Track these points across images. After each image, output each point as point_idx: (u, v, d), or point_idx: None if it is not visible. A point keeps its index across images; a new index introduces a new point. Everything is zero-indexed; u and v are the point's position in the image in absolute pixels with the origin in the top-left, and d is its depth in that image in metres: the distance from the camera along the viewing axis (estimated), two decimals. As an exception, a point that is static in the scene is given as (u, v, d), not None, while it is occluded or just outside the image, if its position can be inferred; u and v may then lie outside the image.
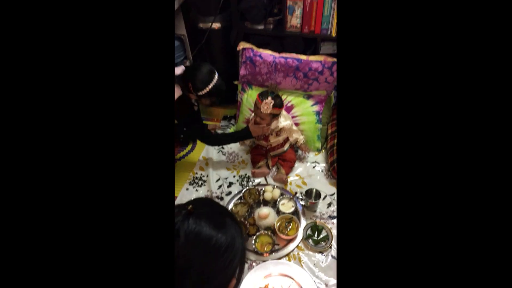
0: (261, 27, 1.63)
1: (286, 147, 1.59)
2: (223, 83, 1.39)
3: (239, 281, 0.49)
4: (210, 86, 1.32)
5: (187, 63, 1.93)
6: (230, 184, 1.52)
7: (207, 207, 0.48)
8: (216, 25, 1.64)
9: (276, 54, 1.58)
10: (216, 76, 1.35)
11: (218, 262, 0.42)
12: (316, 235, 1.26)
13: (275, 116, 1.44)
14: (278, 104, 1.39)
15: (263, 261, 1.17)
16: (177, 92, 1.35)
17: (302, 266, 1.17)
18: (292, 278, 1.12)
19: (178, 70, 1.40)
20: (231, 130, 1.84)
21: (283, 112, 1.53)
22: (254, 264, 1.18)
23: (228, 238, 0.45)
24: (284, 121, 1.51)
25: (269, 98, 1.36)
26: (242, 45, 1.63)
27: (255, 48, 1.61)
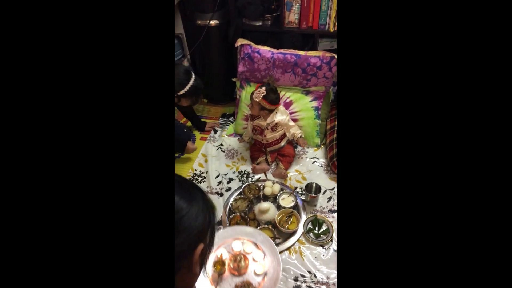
0: (259, 23, 1.64)
1: (283, 143, 1.59)
2: (201, 83, 1.42)
3: (208, 249, 0.52)
4: (189, 85, 1.35)
5: (185, 62, 1.93)
6: (230, 180, 1.52)
7: (177, 177, 0.51)
8: (214, 22, 1.65)
9: (275, 50, 1.58)
10: (193, 76, 1.38)
11: (178, 223, 0.46)
12: (317, 229, 1.26)
13: (263, 109, 1.44)
14: (270, 99, 1.40)
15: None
16: None
17: (303, 259, 1.16)
18: (243, 238, 1.16)
19: None
20: (230, 127, 1.84)
21: (281, 107, 1.52)
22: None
23: (192, 205, 0.48)
24: (280, 115, 1.50)
25: (263, 88, 1.39)
26: (240, 41, 1.63)
27: (253, 45, 1.61)
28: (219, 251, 1.12)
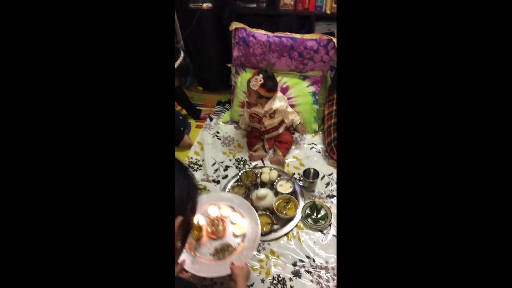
0: (253, 5, 1.59)
1: (281, 129, 1.56)
2: (189, 63, 1.38)
3: (189, 223, 0.54)
4: (177, 63, 1.31)
5: (178, 47, 1.88)
6: (227, 167, 1.49)
7: None
8: (206, 5, 1.59)
9: (270, 34, 1.54)
10: (182, 55, 1.33)
11: None
12: (315, 214, 1.25)
13: (261, 97, 1.41)
14: (268, 86, 1.36)
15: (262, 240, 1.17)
16: None
17: (301, 244, 1.15)
18: (219, 203, 1.15)
19: None
20: (225, 115, 1.81)
21: (278, 94, 1.49)
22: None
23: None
24: (278, 102, 1.47)
25: (261, 76, 1.34)
26: (234, 25, 1.58)
27: (248, 28, 1.57)
28: (195, 218, 1.12)
